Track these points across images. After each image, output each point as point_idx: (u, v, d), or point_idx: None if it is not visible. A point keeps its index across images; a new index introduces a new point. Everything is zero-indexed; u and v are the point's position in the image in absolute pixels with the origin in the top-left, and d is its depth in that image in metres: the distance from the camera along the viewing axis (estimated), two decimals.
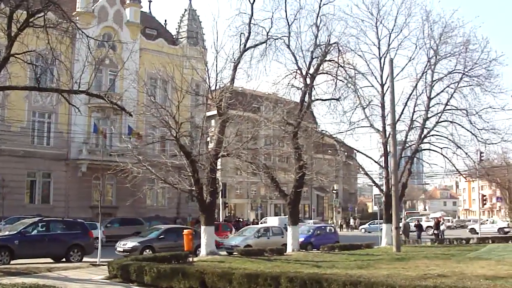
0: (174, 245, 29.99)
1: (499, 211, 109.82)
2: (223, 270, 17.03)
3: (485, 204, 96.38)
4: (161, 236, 32.09)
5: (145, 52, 59.39)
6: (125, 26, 58.64)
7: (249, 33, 33.04)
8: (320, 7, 35.29)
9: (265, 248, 31.48)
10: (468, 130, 41.05)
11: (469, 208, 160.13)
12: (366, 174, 45.48)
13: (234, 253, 32.27)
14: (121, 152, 38.65)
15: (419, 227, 49.56)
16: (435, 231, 48.30)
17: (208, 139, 40.35)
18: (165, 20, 71.39)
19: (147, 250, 30.46)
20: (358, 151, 46.31)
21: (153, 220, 50.07)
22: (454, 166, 43.26)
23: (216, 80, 31.09)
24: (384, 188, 42.03)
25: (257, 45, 34.01)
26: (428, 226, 63.47)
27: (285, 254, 32.00)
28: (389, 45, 41.09)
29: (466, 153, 41.76)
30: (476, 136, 40.92)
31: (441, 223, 49.58)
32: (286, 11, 35.05)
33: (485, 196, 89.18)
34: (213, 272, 16.85)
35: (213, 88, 31.76)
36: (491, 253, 31.00)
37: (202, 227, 30.80)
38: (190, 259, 25.58)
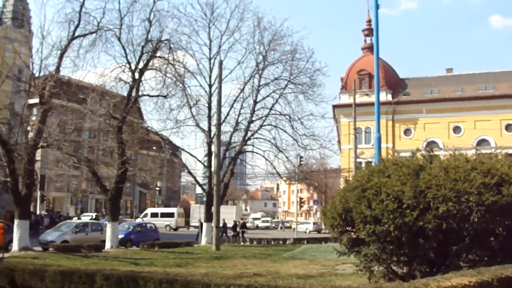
0: None
1: (316, 213, 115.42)
2: (35, 267, 16.18)
3: (303, 206, 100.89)
4: None
5: None
6: None
7: (79, 21, 31.96)
8: (154, 2, 34.94)
9: (82, 245, 30.53)
10: (290, 135, 42.75)
11: (288, 210, 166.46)
12: (190, 172, 45.81)
13: (50, 249, 30.99)
14: None
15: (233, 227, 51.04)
16: (233, 232, 49.89)
17: (28, 128, 38.44)
18: None
19: None
20: (183, 150, 46.54)
21: None
22: (275, 169, 44.73)
23: (41, 67, 29.81)
24: (206, 187, 42.43)
25: (86, 34, 32.92)
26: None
27: (103, 250, 31.29)
28: (220, 46, 41.70)
29: (287, 157, 43.40)
30: (297, 141, 42.68)
31: (238, 225, 51.33)
32: (119, 3, 34.65)
33: (303, 198, 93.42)
34: (24, 269, 15.95)
35: (36, 75, 30.32)
36: (305, 253, 32.36)
37: (16, 221, 29.25)
38: (0, 255, 24.09)
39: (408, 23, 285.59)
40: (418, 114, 72.78)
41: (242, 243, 44.66)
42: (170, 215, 72.64)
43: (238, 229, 50.24)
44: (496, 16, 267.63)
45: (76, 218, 65.11)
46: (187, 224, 76.84)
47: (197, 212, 72.66)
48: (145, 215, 72.27)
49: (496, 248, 12.61)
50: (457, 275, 9.66)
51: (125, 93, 35.35)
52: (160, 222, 63.24)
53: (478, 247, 12.09)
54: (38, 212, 62.93)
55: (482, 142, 67.88)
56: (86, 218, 63.46)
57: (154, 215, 71.39)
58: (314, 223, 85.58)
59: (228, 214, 66.43)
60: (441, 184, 12.32)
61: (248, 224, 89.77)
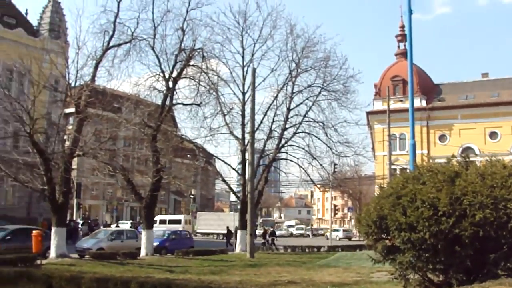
0: (23, 246, 28.41)
1: (350, 220, 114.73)
2: (72, 274, 16.41)
3: (337, 213, 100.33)
4: (8, 237, 30.35)
5: (1, 41, 56.13)
6: None
7: (114, 31, 32.33)
8: (187, 12, 35.12)
9: (118, 252, 30.77)
10: (324, 142, 42.55)
11: (323, 217, 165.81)
12: (224, 180, 45.94)
13: (86, 256, 31.28)
14: None
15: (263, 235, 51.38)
16: (263, 240, 50.15)
17: (65, 137, 38.96)
18: (26, 10, 68.16)
19: None
20: (217, 158, 46.64)
21: (1, 220, 47.43)
22: (309, 176, 44.53)
23: (76, 76, 30.18)
24: (240, 195, 42.47)
25: (121, 44, 33.30)
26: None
27: (138, 258, 31.47)
28: (253, 54, 41.75)
29: (321, 164, 43.18)
30: (331, 149, 42.47)
31: (267, 233, 51.67)
32: (153, 13, 34.66)
33: (337, 206, 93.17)
34: (61, 276, 16.18)
35: (72, 84, 30.70)
36: (339, 261, 32.17)
37: (53, 229, 29.57)
38: (38, 262, 24.42)
39: (442, 27, 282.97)
40: (453, 120, 71.98)
41: (274, 251, 44.61)
42: (178, 222, 73.11)
43: (267, 237, 50.43)
44: None
45: (115, 225, 65.71)
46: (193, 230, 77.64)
47: (203, 219, 75.93)
48: (154, 222, 72.50)
49: None
50: (495, 284, 9.54)
51: (159, 102, 35.61)
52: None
53: None
54: (75, 220, 63.68)
55: None
56: (125, 226, 63.99)
57: (162, 221, 71.70)
58: (344, 230, 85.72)
59: (227, 222, 67.45)
60: (478, 191, 12.15)
61: (282, 232, 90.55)
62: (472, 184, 12.40)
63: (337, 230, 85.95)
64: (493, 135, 69.51)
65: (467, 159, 14.29)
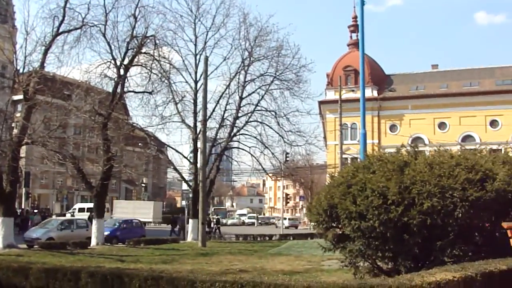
0: None
1: (302, 209, 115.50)
2: (20, 265, 16.05)
3: (289, 202, 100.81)
4: None
5: None
6: None
7: (64, 17, 31.69)
8: None
9: (68, 242, 30.36)
10: (275, 131, 42.79)
11: (275, 206, 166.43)
12: (175, 169, 45.74)
13: (35, 247, 30.80)
14: None
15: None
16: (207, 229, 50.53)
17: (13, 125, 38.15)
18: None
19: None
20: (168, 146, 46.48)
21: None
22: (261, 165, 44.65)
23: (25, 63, 29.62)
24: (192, 183, 42.35)
25: (71, 30, 32.68)
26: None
27: (89, 247, 31.12)
28: (205, 42, 41.68)
29: (273, 153, 43.41)
30: (283, 138, 42.71)
31: (212, 222, 52.00)
32: None
33: (289, 195, 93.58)
34: (8, 267, 15.82)
35: (20, 71, 30.05)
36: (291, 249, 32.39)
37: (0, 219, 29.02)
38: None
39: (394, 19, 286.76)
40: (404, 110, 73.02)
41: (221, 239, 44.72)
42: None
43: (212, 225, 50.65)
44: (481, 13, 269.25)
45: (70, 215, 64.45)
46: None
47: (120, 207, 73.69)
48: (74, 210, 70.79)
49: (480, 243, 12.69)
50: (441, 270, 9.71)
51: (110, 89, 35.19)
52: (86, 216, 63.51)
53: (462, 242, 12.15)
54: (27, 209, 62.40)
55: (467, 138, 68.28)
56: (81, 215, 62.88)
57: (81, 210, 69.76)
58: (290, 219, 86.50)
59: (144, 210, 66.88)
60: (426, 180, 12.37)
61: (234, 220, 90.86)
62: (420, 174, 12.63)
63: (284, 219, 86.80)
64: (442, 125, 70.83)
65: (416, 149, 14.53)
